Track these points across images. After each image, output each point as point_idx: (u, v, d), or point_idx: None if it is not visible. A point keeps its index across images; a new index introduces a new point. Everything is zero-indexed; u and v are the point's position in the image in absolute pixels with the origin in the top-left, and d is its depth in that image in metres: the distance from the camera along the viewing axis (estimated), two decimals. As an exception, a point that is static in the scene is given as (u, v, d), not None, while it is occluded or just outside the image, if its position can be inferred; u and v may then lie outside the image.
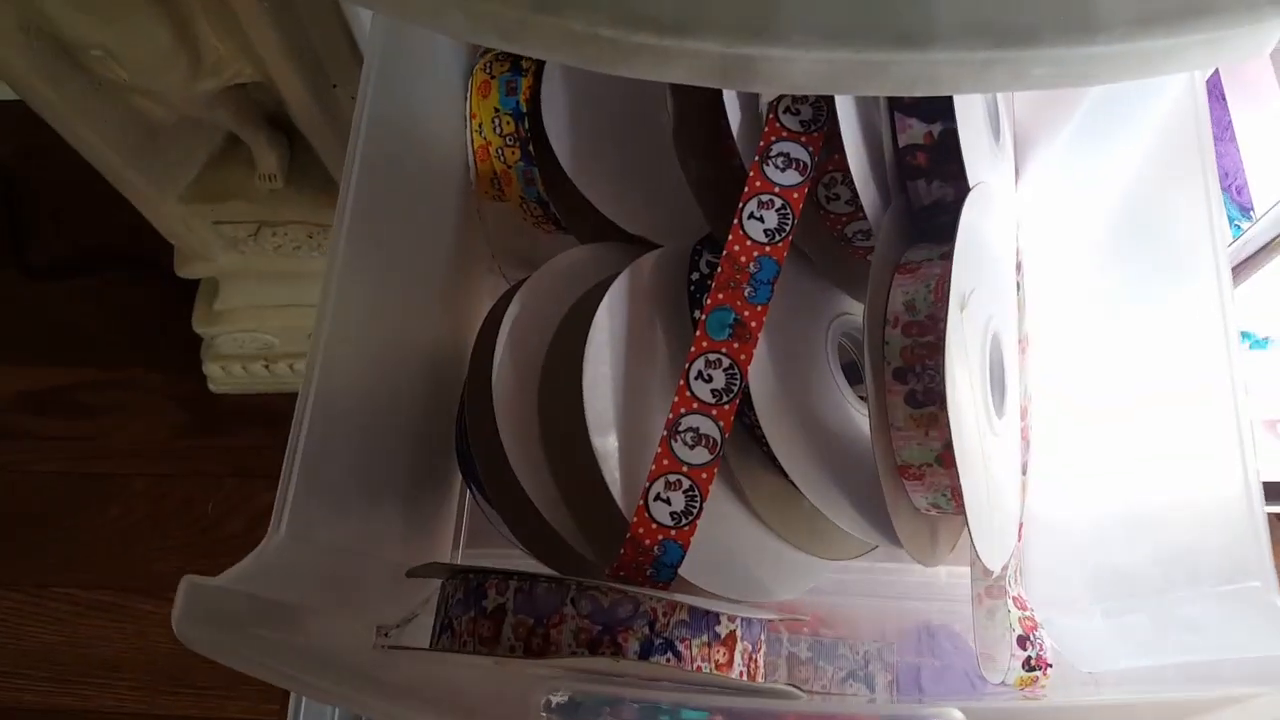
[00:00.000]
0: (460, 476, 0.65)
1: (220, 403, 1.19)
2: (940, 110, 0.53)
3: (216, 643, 0.40)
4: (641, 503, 0.49)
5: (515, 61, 0.64)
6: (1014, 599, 0.61)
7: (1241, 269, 0.66)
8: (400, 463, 0.58)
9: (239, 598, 0.41)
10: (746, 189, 0.52)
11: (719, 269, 0.51)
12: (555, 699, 0.46)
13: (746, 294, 0.51)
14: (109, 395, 1.22)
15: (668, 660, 0.44)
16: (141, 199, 0.90)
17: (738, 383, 0.50)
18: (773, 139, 0.53)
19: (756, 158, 0.53)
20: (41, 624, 1.10)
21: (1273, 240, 0.69)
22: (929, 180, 0.55)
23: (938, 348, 0.50)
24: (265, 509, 1.22)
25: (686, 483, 0.49)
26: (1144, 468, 0.57)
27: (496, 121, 0.63)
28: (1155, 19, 0.39)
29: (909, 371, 0.50)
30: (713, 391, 0.50)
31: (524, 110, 0.63)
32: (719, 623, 0.46)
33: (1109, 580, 0.56)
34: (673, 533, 0.49)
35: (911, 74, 0.42)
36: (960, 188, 0.55)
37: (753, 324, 0.51)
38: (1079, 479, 0.62)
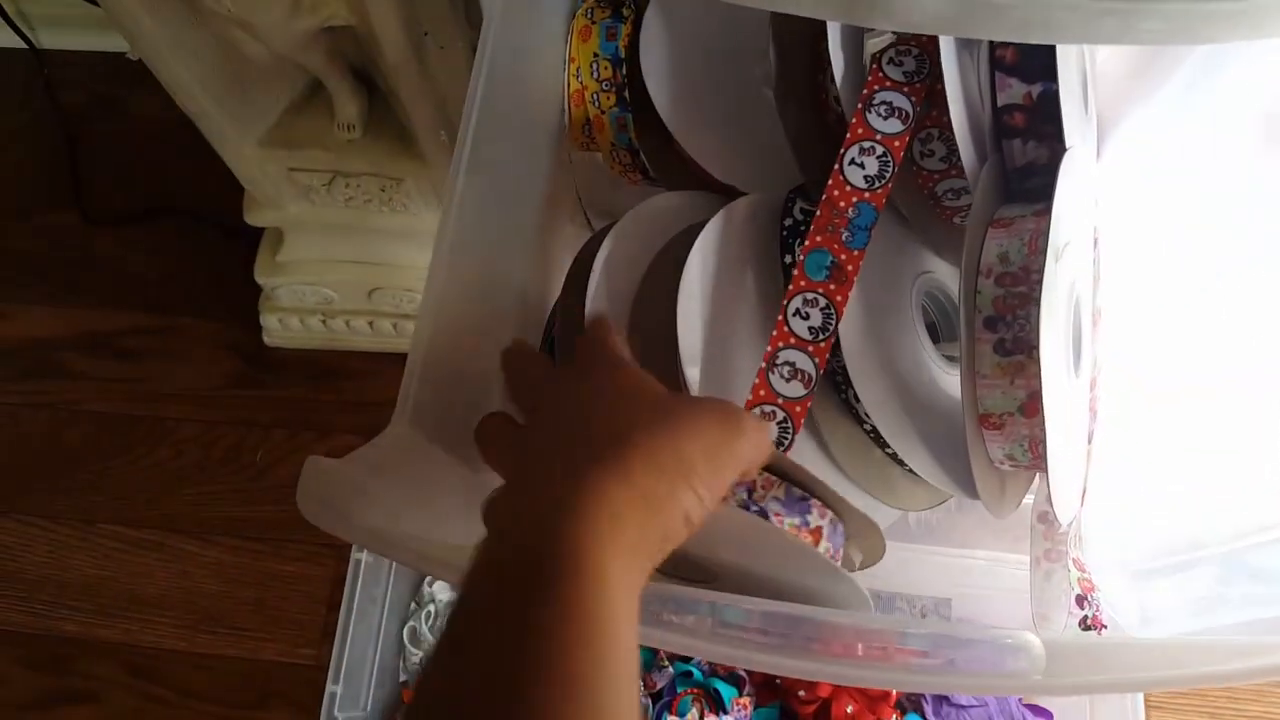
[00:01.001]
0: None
1: (274, 355, 1.21)
2: (1041, 71, 0.54)
3: (331, 519, 0.42)
4: None
5: (617, 8, 0.65)
6: (1073, 560, 0.62)
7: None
8: (497, 387, 0.59)
9: (357, 480, 0.43)
10: (849, 135, 0.53)
11: (818, 212, 0.53)
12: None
13: (844, 238, 0.52)
14: (163, 341, 1.24)
15: None
16: (222, 140, 0.92)
17: (833, 322, 0.51)
18: (876, 88, 0.54)
19: (859, 105, 0.54)
20: (88, 558, 1.12)
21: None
22: (1024, 140, 0.56)
23: (1029, 298, 0.51)
24: (314, 460, 1.22)
25: (781, 414, 0.50)
26: (1219, 448, 0.58)
27: (595, 66, 0.65)
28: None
29: (1000, 320, 0.52)
30: (810, 329, 0.51)
31: (622, 56, 0.64)
32: (810, 512, 0.47)
33: (1172, 542, 0.57)
34: None
35: (1027, 18, 0.44)
36: (1055, 149, 0.56)
37: (849, 267, 0.52)
38: (1148, 454, 0.63)
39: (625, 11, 0.65)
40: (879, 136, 0.53)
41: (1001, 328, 0.52)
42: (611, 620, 0.31)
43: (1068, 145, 0.55)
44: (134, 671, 1.08)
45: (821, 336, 0.51)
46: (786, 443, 0.50)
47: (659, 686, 0.91)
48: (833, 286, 0.52)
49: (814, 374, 0.51)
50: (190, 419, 1.19)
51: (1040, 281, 0.51)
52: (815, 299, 0.52)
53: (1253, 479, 0.53)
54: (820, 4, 0.44)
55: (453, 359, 0.50)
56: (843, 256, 0.52)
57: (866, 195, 0.53)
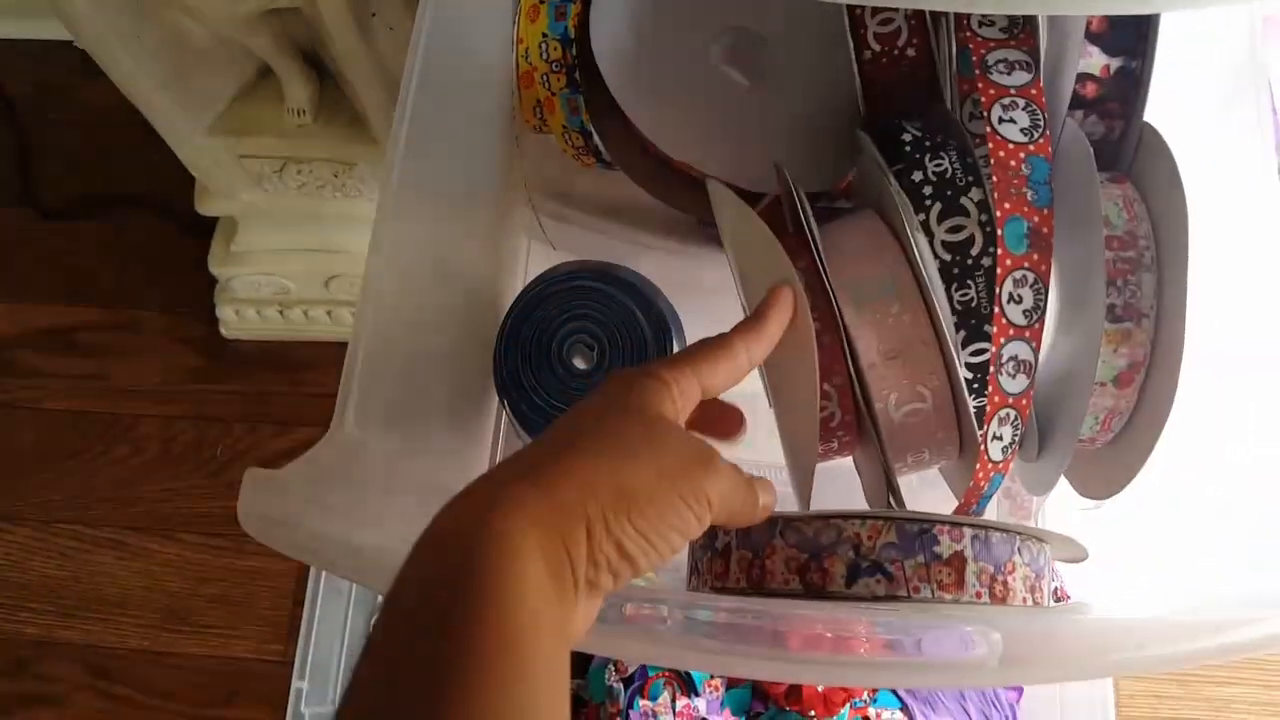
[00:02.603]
0: (496, 401, 0.65)
1: (232, 347, 1.19)
2: (1124, 45, 0.52)
3: (278, 536, 0.41)
4: (983, 448, 0.47)
5: (566, -13, 0.64)
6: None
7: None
8: (442, 380, 0.58)
9: (298, 491, 0.41)
10: (983, 99, 0.49)
11: (993, 178, 0.48)
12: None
13: (1030, 198, 0.48)
14: (120, 337, 1.21)
15: (878, 581, 0.43)
16: (169, 129, 0.90)
17: (1043, 298, 0.47)
18: (982, 52, 0.50)
19: (976, 72, 0.50)
20: (47, 558, 1.10)
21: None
22: (1087, 113, 0.53)
23: (1139, 263, 0.49)
24: (275, 454, 1.23)
25: (1013, 414, 0.47)
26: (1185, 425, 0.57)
27: (544, 47, 0.63)
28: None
29: (1110, 285, 0.49)
30: (1024, 312, 0.47)
31: (572, 36, 0.63)
32: (937, 543, 0.44)
33: (1132, 518, 0.57)
34: (1001, 465, 0.48)
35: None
36: (1110, 127, 0.53)
37: (1044, 229, 0.48)
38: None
39: (575, -11, 0.63)
40: (1013, 90, 0.49)
41: (1112, 292, 0.49)
42: (528, 643, 0.30)
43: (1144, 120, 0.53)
44: (97, 673, 1.06)
45: (1035, 318, 0.47)
46: (1019, 439, 0.47)
47: (630, 670, 0.90)
48: (1036, 256, 0.47)
49: (1034, 361, 0.47)
50: (148, 414, 1.17)
51: (1148, 248, 0.49)
52: (1024, 277, 0.47)
53: (1213, 472, 0.53)
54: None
55: (397, 352, 0.49)
56: (1035, 219, 0.47)
57: (1032, 148, 0.48)
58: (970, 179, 0.49)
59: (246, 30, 0.78)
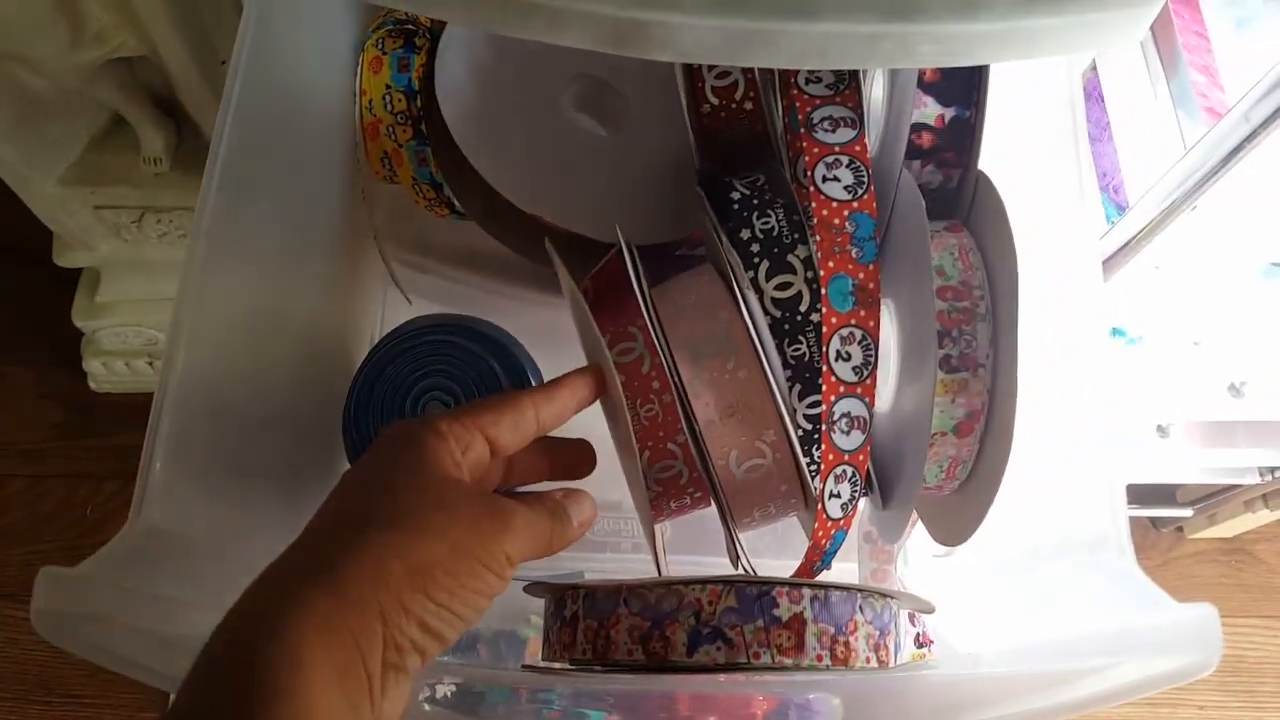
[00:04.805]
0: (346, 465, 0.63)
1: (101, 402, 1.14)
2: (957, 96, 0.52)
3: (81, 638, 0.38)
4: (820, 507, 0.47)
5: (409, 38, 0.62)
6: (900, 579, 0.62)
7: (1110, 262, 0.68)
8: (277, 447, 0.55)
9: (102, 587, 0.39)
10: (807, 159, 0.49)
11: (817, 238, 0.48)
12: (439, 690, 0.45)
13: (854, 255, 0.48)
14: (-19, 393, 1.16)
15: (719, 649, 0.42)
16: (17, 180, 0.86)
17: (873, 353, 0.47)
18: (808, 110, 0.50)
19: (801, 130, 0.50)
20: (-100, 633, 1.04)
21: (1138, 234, 0.71)
22: (924, 163, 0.54)
23: (973, 313, 0.49)
24: (148, 511, 1.15)
25: (850, 470, 0.47)
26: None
27: (387, 99, 0.62)
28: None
29: (945, 335, 0.49)
30: (854, 369, 0.47)
31: (416, 88, 0.61)
32: (776, 605, 0.43)
33: (982, 564, 0.57)
34: (842, 522, 0.47)
35: (801, 45, 0.43)
36: (948, 175, 0.54)
37: (870, 285, 0.48)
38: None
39: (419, 41, 0.62)
40: (838, 148, 0.49)
41: (947, 343, 0.49)
42: None
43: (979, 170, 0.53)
44: (-43, 752, 1.00)
45: (866, 373, 0.47)
46: (858, 495, 0.47)
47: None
48: (863, 313, 0.47)
49: (868, 416, 0.47)
50: (14, 474, 1.12)
51: (983, 298, 0.50)
52: (851, 334, 0.47)
53: (1044, 505, 0.53)
54: (588, 35, 0.42)
55: (214, 420, 0.46)
56: (861, 276, 0.47)
57: (856, 205, 0.48)
58: (796, 236, 0.49)
59: (89, 81, 0.75)
